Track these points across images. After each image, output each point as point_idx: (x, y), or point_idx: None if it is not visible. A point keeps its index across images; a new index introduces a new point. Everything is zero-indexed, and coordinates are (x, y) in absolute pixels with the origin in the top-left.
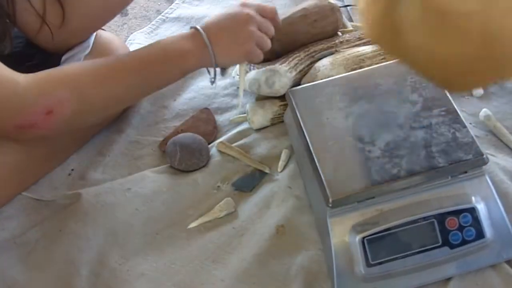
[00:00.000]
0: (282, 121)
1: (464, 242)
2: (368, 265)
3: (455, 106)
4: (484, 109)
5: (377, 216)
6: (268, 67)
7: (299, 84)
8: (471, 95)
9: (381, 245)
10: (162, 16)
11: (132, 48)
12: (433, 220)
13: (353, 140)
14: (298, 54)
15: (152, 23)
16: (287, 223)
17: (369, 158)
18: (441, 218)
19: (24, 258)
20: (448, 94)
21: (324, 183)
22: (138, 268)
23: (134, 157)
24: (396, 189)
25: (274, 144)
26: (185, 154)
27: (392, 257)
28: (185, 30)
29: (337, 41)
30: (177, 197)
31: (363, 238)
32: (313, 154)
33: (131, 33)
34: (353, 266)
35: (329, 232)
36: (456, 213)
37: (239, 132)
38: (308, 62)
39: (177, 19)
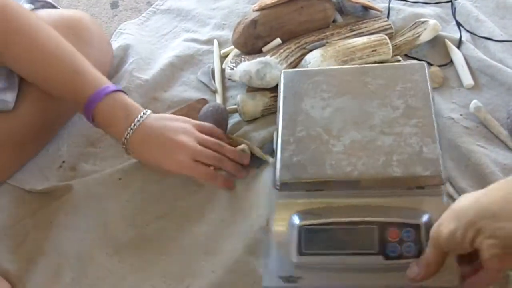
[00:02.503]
0: (273, 113)
1: (400, 256)
2: (300, 253)
3: (434, 120)
4: (474, 101)
5: (322, 209)
6: (258, 59)
7: None
8: (462, 86)
9: (317, 237)
10: (153, 8)
11: (121, 38)
12: (375, 226)
13: (322, 131)
14: (289, 46)
15: (143, 15)
16: None
17: (329, 151)
18: (384, 227)
19: (15, 249)
20: (431, 107)
21: (278, 164)
22: (128, 259)
23: None
24: (344, 187)
25: (264, 135)
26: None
27: (324, 252)
28: (175, 22)
29: (327, 33)
30: (167, 188)
31: (301, 226)
32: (279, 135)
33: None
34: (286, 252)
35: (273, 212)
36: (400, 226)
37: (231, 124)
38: (299, 54)
39: (168, 11)
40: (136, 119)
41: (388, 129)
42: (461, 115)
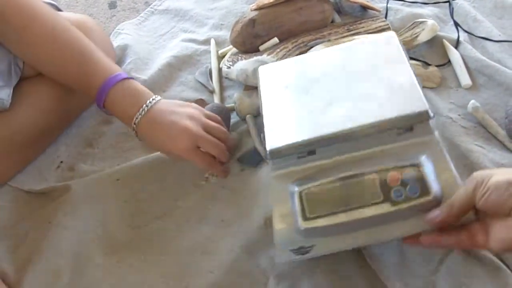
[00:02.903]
0: None
1: (406, 199)
2: (306, 218)
3: (411, 71)
4: (472, 101)
5: (319, 171)
6: (255, 57)
7: None
8: (460, 86)
9: (319, 199)
10: (151, 8)
11: (119, 38)
12: (375, 175)
13: (305, 103)
14: (286, 45)
15: (141, 15)
16: None
17: (315, 115)
18: (383, 173)
19: (14, 249)
20: (407, 62)
21: (267, 136)
22: (127, 260)
23: (123, 149)
24: (335, 142)
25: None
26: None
27: (330, 212)
28: (173, 22)
29: (325, 32)
30: (166, 189)
31: (301, 191)
32: (263, 111)
33: None
34: (292, 222)
35: (270, 185)
36: (399, 169)
37: None
38: (296, 53)
39: (166, 11)
40: (145, 105)
41: (370, 87)
42: (459, 115)
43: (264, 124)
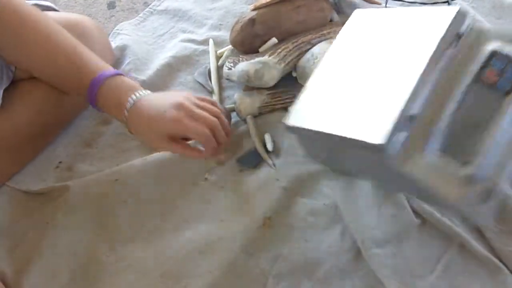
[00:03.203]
0: (270, 110)
1: None
2: (464, 164)
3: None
4: None
5: (430, 125)
6: (257, 59)
7: (289, 75)
8: None
9: (456, 139)
10: (150, 8)
11: (118, 38)
12: (474, 87)
13: (363, 89)
14: (286, 46)
15: (140, 15)
16: (274, 216)
17: (382, 88)
18: (478, 79)
19: (13, 250)
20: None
21: (362, 139)
22: (126, 259)
23: (122, 149)
24: (421, 90)
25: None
26: None
27: (473, 143)
28: (172, 23)
29: (325, 31)
30: (165, 189)
31: (438, 148)
32: (325, 130)
33: None
34: (456, 178)
35: (407, 173)
36: (484, 65)
37: None
38: (296, 53)
39: (165, 11)
40: (137, 92)
41: (400, 42)
42: None
43: (346, 136)
